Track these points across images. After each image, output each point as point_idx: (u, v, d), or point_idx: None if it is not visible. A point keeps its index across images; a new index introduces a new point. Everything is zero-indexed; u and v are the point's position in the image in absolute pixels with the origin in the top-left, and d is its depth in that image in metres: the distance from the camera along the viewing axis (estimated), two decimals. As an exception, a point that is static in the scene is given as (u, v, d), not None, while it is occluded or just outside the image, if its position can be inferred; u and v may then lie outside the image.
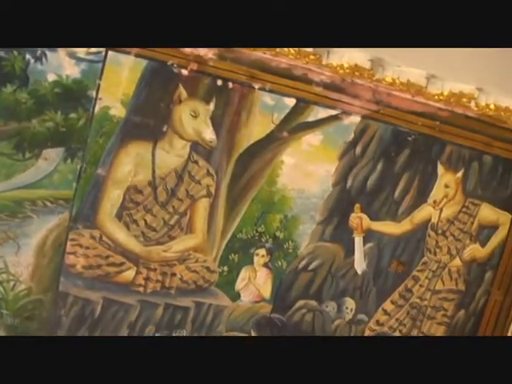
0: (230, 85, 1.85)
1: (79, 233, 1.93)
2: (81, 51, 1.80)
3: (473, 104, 1.90)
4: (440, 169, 1.97)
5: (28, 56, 1.80)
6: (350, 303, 2.03)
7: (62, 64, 1.81)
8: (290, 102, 1.88)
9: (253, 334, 2.02)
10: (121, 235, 1.94)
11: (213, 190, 1.93)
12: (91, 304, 1.98)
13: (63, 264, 1.95)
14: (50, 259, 1.99)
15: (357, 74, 1.86)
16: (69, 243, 1.94)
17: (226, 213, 1.95)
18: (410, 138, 1.94)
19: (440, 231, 2.01)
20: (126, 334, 2.01)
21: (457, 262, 2.05)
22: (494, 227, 2.04)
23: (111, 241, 1.95)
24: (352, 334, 2.05)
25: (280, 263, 1.99)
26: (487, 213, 2.02)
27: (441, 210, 2.00)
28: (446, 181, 1.97)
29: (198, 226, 1.95)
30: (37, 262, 1.96)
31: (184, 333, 2.01)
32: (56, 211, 1.96)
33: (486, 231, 2.04)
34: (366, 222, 1.97)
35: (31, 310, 2.00)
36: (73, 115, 1.87)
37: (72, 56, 1.82)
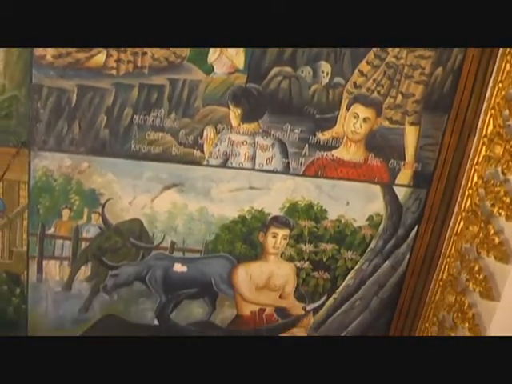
0: None
1: (44, 21, 2.02)
2: None
3: None
4: None
5: None
6: (325, 67, 2.16)
7: None
8: None
9: (230, 106, 2.17)
10: (86, 16, 2.04)
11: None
12: (66, 93, 2.13)
13: (33, 56, 2.06)
14: (19, 54, 2.10)
15: None
16: (36, 34, 2.04)
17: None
18: None
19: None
20: (104, 120, 2.16)
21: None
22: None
23: (77, 25, 2.04)
24: (330, 98, 2.19)
25: (251, 28, 2.09)
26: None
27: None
28: None
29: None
30: (6, 59, 2.07)
31: (162, 112, 2.16)
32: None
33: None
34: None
35: (8, 108, 2.15)
36: None
37: None
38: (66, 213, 2.31)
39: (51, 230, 2.33)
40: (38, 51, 2.05)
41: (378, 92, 2.20)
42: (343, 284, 2.51)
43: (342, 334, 2.59)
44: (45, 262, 2.38)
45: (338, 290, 2.52)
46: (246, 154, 2.24)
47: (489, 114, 2.11)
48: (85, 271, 2.41)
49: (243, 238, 2.39)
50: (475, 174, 2.20)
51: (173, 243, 2.38)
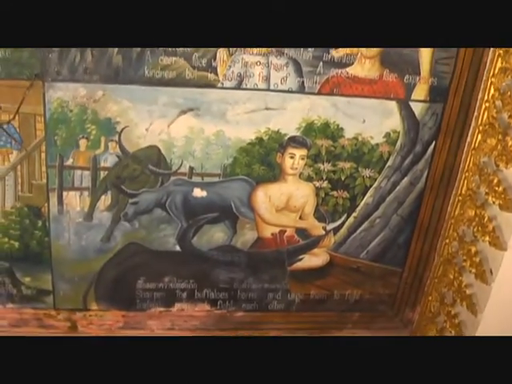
0: None
1: None
2: None
3: None
4: None
5: None
6: (336, -18, 2.16)
7: None
8: None
9: (242, 26, 2.20)
10: None
11: None
12: None
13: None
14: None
15: None
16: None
17: None
18: None
19: None
20: (117, 47, 2.20)
21: None
22: None
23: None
24: None
25: None
26: None
27: None
28: None
29: None
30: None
31: (174, 36, 2.19)
32: None
33: None
34: None
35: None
36: None
37: None
38: (83, 143, 2.36)
39: (69, 161, 2.40)
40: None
41: None
42: (362, 202, 2.57)
43: (363, 254, 2.66)
44: (65, 194, 2.45)
45: (358, 209, 2.59)
46: (260, 75, 2.28)
47: (505, 25, 2.11)
48: (105, 200, 2.48)
49: (261, 160, 2.44)
50: (492, 87, 2.22)
51: (191, 168, 2.45)
